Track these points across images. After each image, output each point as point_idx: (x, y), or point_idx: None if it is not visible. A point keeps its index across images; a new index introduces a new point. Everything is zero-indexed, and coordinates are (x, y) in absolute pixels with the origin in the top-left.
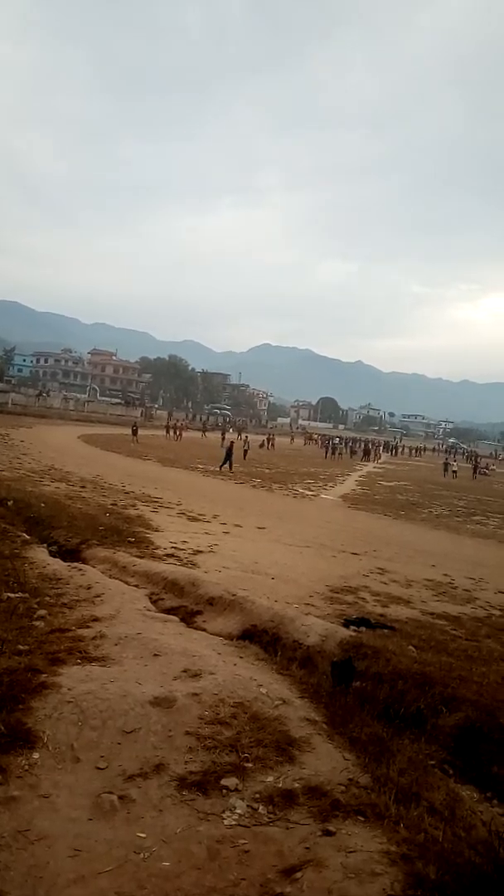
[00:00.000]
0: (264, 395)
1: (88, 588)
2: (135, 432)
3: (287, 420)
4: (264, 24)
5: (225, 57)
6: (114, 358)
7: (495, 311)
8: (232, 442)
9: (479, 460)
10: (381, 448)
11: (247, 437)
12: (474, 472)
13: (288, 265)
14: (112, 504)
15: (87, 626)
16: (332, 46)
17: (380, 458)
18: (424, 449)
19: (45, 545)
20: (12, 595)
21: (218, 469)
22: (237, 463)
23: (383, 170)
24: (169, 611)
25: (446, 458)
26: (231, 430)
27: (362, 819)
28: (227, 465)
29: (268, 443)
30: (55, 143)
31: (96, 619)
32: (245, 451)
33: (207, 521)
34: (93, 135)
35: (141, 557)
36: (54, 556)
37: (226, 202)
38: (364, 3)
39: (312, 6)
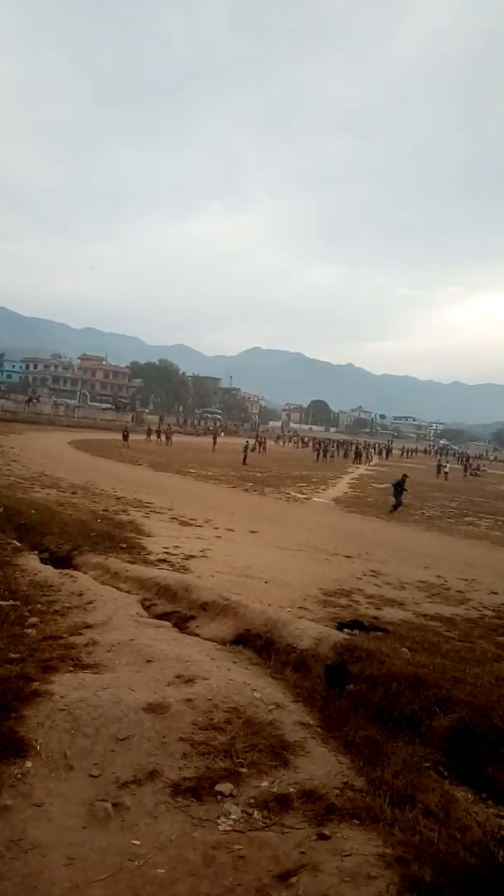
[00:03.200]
0: (256, 399)
1: (80, 595)
2: (126, 437)
3: (279, 423)
4: (249, 34)
5: (209, 66)
6: (104, 363)
7: (483, 312)
8: (405, 475)
9: (470, 461)
10: (373, 450)
11: (248, 441)
12: (465, 471)
13: (276, 269)
14: (103, 510)
15: (80, 633)
16: (316, 56)
17: (371, 460)
18: (416, 450)
19: (36, 552)
20: (3, 603)
21: (389, 513)
22: (230, 467)
23: (367, 175)
24: (162, 616)
25: (439, 460)
26: (255, 437)
27: (357, 822)
28: (397, 507)
29: (259, 446)
30: (40, 151)
31: (88, 626)
32: (245, 457)
33: (199, 526)
34: (78, 143)
35: (133, 563)
36: (46, 563)
37: (212, 208)
38: (348, 13)
39: (297, 17)
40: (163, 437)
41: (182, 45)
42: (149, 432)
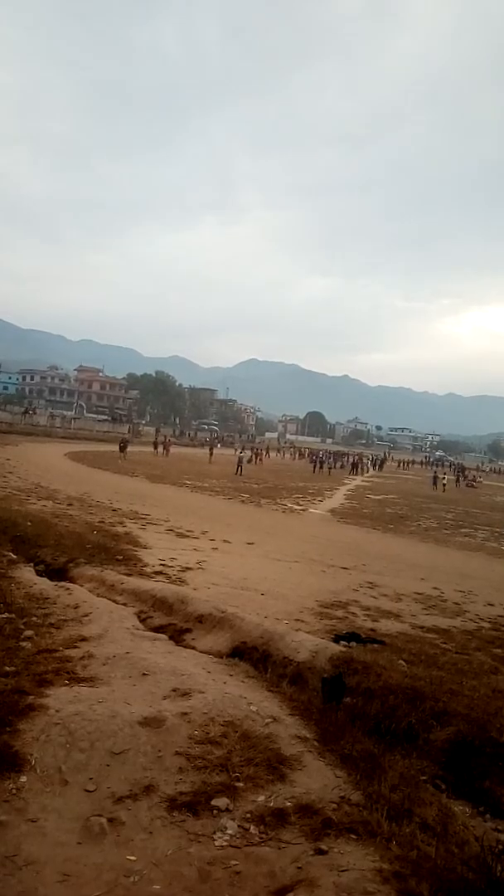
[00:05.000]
0: (252, 410)
1: (76, 607)
2: (122, 449)
3: (275, 434)
4: (242, 48)
5: (203, 79)
6: (100, 374)
7: (477, 324)
8: None
9: (466, 472)
10: (369, 462)
11: (242, 453)
12: (457, 482)
13: (272, 280)
14: (100, 522)
15: (75, 647)
16: (309, 69)
17: (367, 471)
18: (412, 462)
19: (31, 564)
20: None
21: None
22: (226, 478)
23: (361, 186)
24: (158, 629)
25: (435, 472)
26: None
27: (354, 837)
28: None
29: (255, 457)
30: (36, 162)
31: (84, 639)
32: (239, 467)
33: (196, 538)
34: (74, 154)
35: (129, 575)
36: (41, 576)
37: (207, 220)
38: (341, 29)
39: (290, 32)
40: (160, 449)
41: (175, 58)
42: (123, 445)
